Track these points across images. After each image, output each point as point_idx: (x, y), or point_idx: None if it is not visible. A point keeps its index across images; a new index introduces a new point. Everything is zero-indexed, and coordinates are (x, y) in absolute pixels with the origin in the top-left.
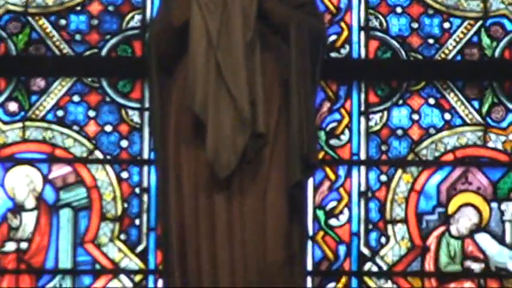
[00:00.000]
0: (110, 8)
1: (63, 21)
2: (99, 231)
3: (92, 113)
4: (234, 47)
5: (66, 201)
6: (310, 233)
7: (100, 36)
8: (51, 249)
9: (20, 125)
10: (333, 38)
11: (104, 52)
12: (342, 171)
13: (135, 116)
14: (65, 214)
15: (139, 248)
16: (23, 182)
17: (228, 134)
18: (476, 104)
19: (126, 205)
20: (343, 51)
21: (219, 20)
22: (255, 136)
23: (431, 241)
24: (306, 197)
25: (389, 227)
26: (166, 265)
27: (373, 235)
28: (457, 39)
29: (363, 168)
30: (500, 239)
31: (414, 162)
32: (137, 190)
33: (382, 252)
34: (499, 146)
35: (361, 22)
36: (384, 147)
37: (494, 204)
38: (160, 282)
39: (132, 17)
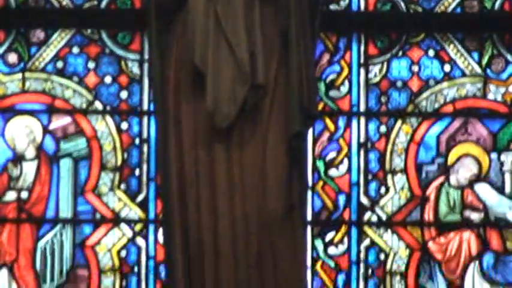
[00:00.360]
0: None
1: None
2: (99, 181)
3: (91, 65)
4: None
5: (66, 152)
6: (310, 183)
7: None
8: (51, 198)
9: (20, 76)
10: None
11: (103, 4)
12: (341, 122)
13: (134, 68)
14: (65, 164)
15: (140, 198)
16: (23, 132)
17: (228, 85)
18: (476, 56)
19: (126, 155)
20: (343, 3)
21: None
22: (254, 87)
23: (431, 191)
24: (305, 147)
25: (389, 177)
26: (166, 214)
27: (373, 185)
28: None
29: (362, 119)
30: (499, 189)
31: (414, 113)
32: (137, 141)
33: (381, 202)
34: (499, 98)
35: None
36: (383, 99)
37: (493, 155)
38: (160, 232)
39: None
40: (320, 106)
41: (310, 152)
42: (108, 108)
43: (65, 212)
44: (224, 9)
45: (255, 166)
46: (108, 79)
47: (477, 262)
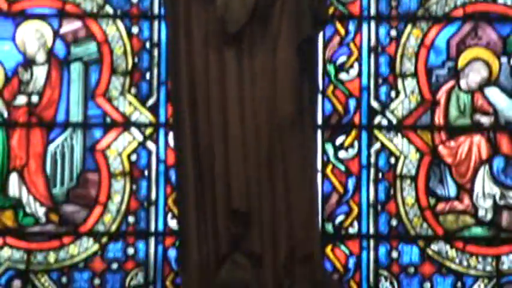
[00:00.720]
0: None
1: None
2: (109, 85)
3: None
4: None
5: (77, 56)
6: (320, 87)
7: None
8: (61, 102)
9: None
10: None
11: None
12: (352, 27)
13: None
14: (76, 68)
15: (150, 102)
16: (34, 36)
17: None
18: None
19: (136, 59)
20: None
21: None
22: None
23: (441, 95)
24: (316, 51)
25: (399, 81)
26: (177, 118)
27: (383, 89)
28: None
29: (373, 24)
30: (509, 93)
31: (424, 17)
32: (147, 45)
33: (392, 106)
34: (509, 2)
35: None
36: (393, 3)
37: (504, 59)
38: (170, 135)
39: None
40: (330, 10)
41: (320, 56)
42: (118, 12)
43: (75, 116)
44: None
45: (265, 70)
46: None
47: (487, 166)
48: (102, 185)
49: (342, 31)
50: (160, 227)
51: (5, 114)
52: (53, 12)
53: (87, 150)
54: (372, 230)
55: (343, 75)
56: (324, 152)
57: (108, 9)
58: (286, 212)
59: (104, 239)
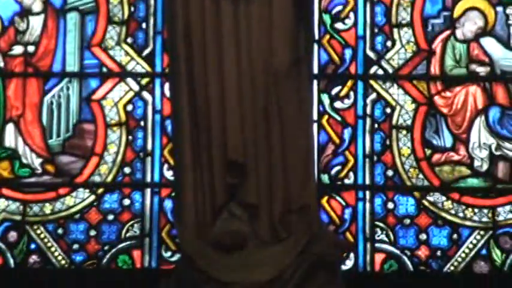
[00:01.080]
0: None
1: None
2: (106, 35)
3: None
4: None
5: (73, 5)
6: (316, 36)
7: None
8: (58, 52)
9: None
10: None
11: None
12: None
13: None
14: (72, 18)
15: (146, 51)
16: None
17: None
18: None
19: (132, 8)
20: None
21: None
22: None
23: (437, 45)
24: (312, 0)
25: (395, 30)
26: (173, 68)
27: (379, 39)
28: None
29: None
30: (505, 43)
31: None
32: None
33: (387, 56)
34: None
35: None
36: None
37: (499, 8)
38: (167, 85)
39: None
40: None
41: (316, 5)
42: None
43: (72, 65)
44: None
45: (261, 18)
46: None
47: (483, 116)
48: (98, 135)
49: None
50: (157, 177)
51: (1, 64)
52: None
53: (83, 100)
54: (367, 181)
55: (339, 25)
56: (320, 102)
57: None
58: (282, 163)
59: (100, 190)
